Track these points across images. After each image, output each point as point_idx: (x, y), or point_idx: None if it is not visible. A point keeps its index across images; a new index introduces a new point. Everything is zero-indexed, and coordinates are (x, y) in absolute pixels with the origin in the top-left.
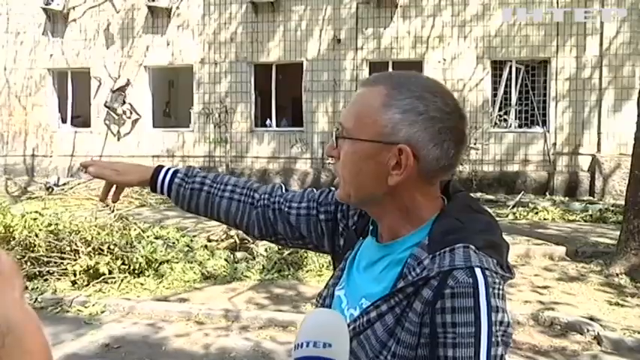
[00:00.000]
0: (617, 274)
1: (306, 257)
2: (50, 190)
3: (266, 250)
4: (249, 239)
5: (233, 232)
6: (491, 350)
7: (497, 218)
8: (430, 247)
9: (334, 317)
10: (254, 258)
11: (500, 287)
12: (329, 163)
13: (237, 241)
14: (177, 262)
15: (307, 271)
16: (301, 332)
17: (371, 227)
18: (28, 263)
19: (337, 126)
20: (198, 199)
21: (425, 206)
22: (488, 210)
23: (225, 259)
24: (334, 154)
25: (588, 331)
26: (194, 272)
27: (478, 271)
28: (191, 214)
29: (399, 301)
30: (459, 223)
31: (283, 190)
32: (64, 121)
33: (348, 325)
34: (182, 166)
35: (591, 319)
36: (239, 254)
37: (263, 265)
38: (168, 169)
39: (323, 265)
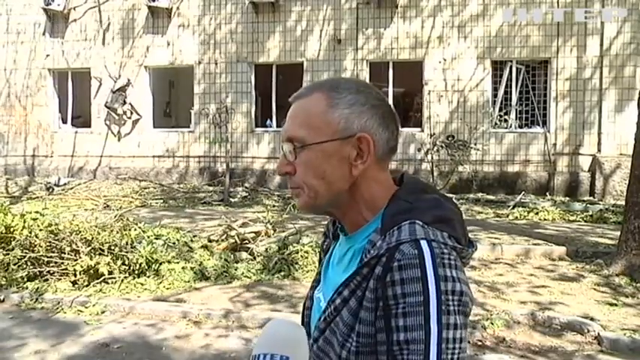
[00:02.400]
0: (617, 275)
1: (306, 257)
2: (50, 190)
3: (266, 250)
4: (250, 239)
5: (233, 232)
6: (442, 318)
7: (497, 218)
8: (382, 229)
9: (293, 328)
10: (254, 258)
11: (451, 257)
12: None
13: (238, 241)
14: (177, 263)
15: (307, 271)
16: (259, 343)
17: (339, 225)
18: (29, 263)
19: (284, 145)
20: None
21: (379, 195)
22: (441, 192)
23: (226, 259)
24: (289, 170)
25: (588, 331)
26: (194, 272)
27: (423, 242)
28: None
29: (358, 284)
30: (407, 204)
31: None
32: (64, 121)
33: (320, 318)
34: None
35: (591, 319)
36: (239, 254)
37: (263, 265)
38: None
39: None
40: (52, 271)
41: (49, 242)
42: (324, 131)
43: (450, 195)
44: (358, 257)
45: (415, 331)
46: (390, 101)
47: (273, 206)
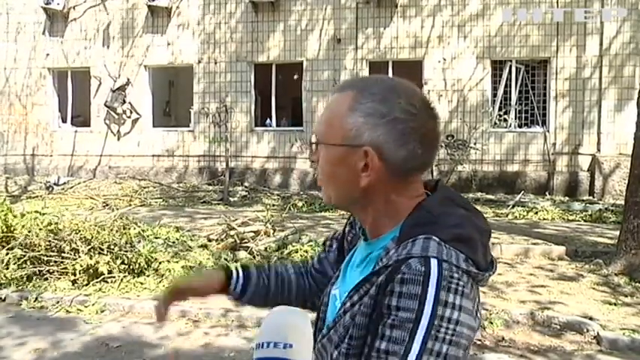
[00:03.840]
0: (617, 274)
1: (306, 257)
2: (50, 189)
3: (266, 249)
4: (249, 239)
5: (233, 231)
6: (427, 342)
7: (496, 218)
8: (399, 239)
9: (297, 317)
10: (254, 257)
11: (460, 283)
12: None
13: (237, 241)
14: (177, 262)
15: None
16: (262, 331)
17: (362, 228)
18: (28, 262)
19: (315, 131)
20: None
21: (402, 204)
22: (473, 206)
23: (225, 259)
24: (314, 159)
25: (588, 330)
26: (194, 272)
27: (434, 261)
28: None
29: (366, 291)
30: (429, 216)
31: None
32: (64, 120)
33: (333, 318)
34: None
35: (590, 318)
36: (239, 254)
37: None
38: (236, 286)
39: None
40: (51, 270)
41: (49, 241)
42: (338, 134)
43: None
44: (371, 266)
45: (397, 344)
46: None
47: (273, 205)
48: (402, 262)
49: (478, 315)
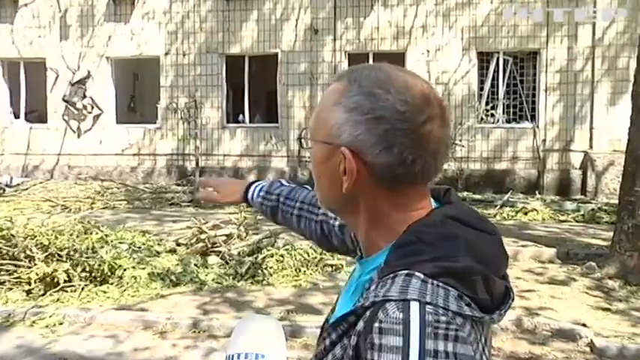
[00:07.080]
0: (610, 277)
1: (281, 261)
2: (2, 191)
3: (239, 254)
4: (221, 243)
5: (203, 235)
6: None
7: None
8: (381, 271)
9: (268, 324)
10: (226, 263)
11: (451, 327)
12: (306, 161)
13: (209, 245)
14: (143, 269)
15: (282, 277)
16: (233, 342)
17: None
18: None
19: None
20: (276, 215)
21: (396, 221)
22: (487, 222)
23: (195, 264)
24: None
25: (580, 337)
26: (161, 279)
27: (414, 305)
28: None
29: (345, 331)
30: (418, 244)
31: None
32: (16, 116)
33: (315, 354)
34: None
35: (583, 325)
36: (210, 259)
37: (235, 270)
38: (257, 186)
39: (300, 270)
40: (2, 280)
41: (0, 248)
42: (322, 130)
43: None
44: (358, 293)
45: None
46: None
47: (247, 207)
48: (378, 307)
49: (484, 357)
